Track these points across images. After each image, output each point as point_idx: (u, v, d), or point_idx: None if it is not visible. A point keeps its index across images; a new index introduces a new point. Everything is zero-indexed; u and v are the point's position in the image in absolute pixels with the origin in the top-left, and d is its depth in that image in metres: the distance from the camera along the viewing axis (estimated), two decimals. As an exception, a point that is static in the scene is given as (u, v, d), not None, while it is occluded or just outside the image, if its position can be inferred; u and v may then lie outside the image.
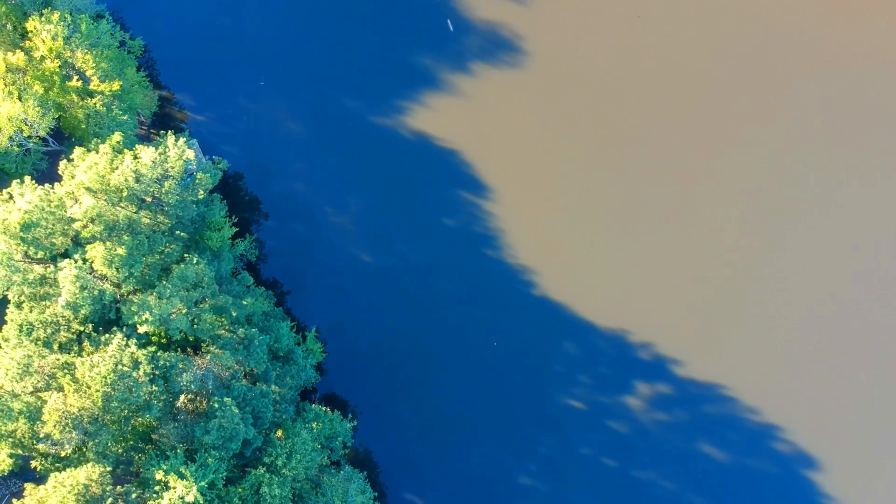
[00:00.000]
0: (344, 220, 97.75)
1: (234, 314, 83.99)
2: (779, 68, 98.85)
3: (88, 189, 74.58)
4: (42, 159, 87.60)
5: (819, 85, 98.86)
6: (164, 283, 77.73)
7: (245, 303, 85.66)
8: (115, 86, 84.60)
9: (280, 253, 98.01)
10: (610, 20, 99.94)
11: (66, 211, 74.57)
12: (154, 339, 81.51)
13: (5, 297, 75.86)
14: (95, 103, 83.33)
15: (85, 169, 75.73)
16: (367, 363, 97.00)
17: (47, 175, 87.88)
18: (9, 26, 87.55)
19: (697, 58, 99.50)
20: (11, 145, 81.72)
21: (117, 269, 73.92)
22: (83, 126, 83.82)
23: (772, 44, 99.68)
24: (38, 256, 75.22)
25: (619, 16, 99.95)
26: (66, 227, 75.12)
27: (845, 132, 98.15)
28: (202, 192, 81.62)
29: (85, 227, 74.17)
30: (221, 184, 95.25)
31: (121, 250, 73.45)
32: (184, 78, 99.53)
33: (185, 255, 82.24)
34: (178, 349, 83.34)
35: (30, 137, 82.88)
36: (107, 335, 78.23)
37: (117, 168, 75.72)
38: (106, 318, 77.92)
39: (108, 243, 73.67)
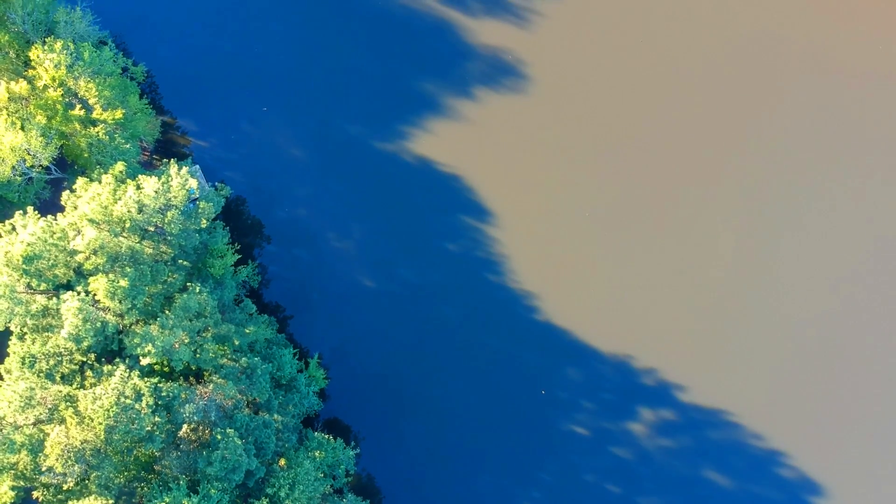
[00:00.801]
0: (346, 245, 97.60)
1: (236, 343, 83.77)
2: (783, 98, 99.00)
3: (91, 220, 74.53)
4: (45, 188, 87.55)
5: (820, 113, 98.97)
6: (167, 312, 77.64)
7: (248, 331, 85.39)
8: (118, 114, 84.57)
9: (282, 278, 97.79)
10: (613, 45, 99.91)
11: (68, 243, 74.47)
12: (157, 367, 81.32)
13: (7, 328, 75.52)
14: (98, 132, 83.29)
15: (87, 200, 75.72)
16: (370, 388, 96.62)
17: (50, 203, 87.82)
18: (11, 54, 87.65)
19: (704, 84, 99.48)
20: (14, 175, 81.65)
21: (120, 301, 73.72)
22: (86, 154, 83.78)
23: (775, 68, 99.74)
24: (41, 288, 75.02)
25: (622, 41, 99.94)
26: (68, 259, 75.03)
27: (847, 163, 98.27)
28: (205, 221, 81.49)
29: (87, 258, 74.06)
30: (224, 209, 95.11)
31: (123, 282, 73.24)
32: (187, 103, 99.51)
33: (188, 283, 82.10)
34: (181, 377, 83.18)
35: (32, 167, 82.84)
36: (109, 366, 78.23)
37: (120, 199, 75.66)
38: (108, 348, 77.74)
39: (110, 275, 73.49)
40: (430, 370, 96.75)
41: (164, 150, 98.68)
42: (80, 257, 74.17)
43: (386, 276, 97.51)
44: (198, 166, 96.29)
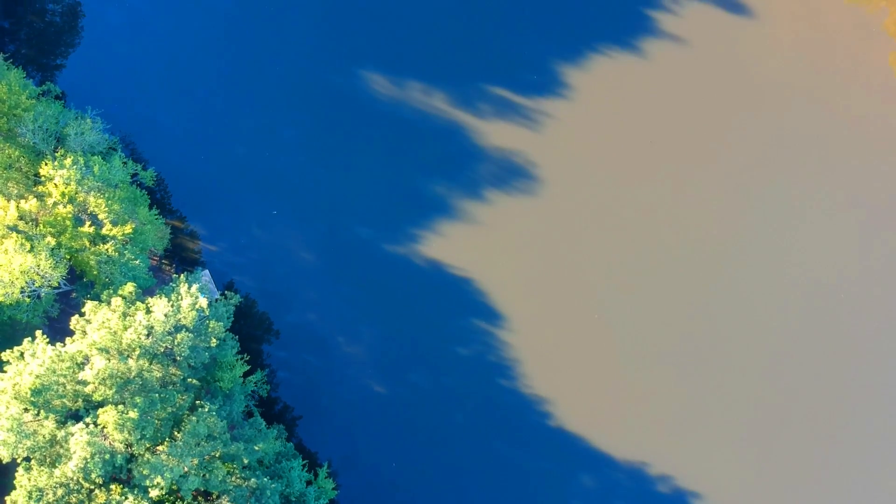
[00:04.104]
0: (356, 349, 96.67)
1: (245, 462, 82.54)
2: (799, 202, 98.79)
3: (100, 349, 73.77)
4: (53, 305, 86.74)
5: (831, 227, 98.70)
6: (177, 435, 76.62)
7: (257, 448, 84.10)
8: (128, 229, 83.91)
9: (291, 384, 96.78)
10: (622, 147, 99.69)
11: (77, 373, 73.66)
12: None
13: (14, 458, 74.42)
14: (107, 249, 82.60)
15: (97, 327, 75.01)
16: (380, 494, 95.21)
17: (58, 322, 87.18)
18: (23, 165, 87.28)
19: (714, 186, 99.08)
20: (23, 296, 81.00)
21: (129, 433, 72.69)
22: (95, 272, 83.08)
23: (794, 175, 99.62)
24: (49, 418, 73.98)
25: (632, 143, 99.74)
26: (77, 389, 74.16)
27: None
28: (215, 340, 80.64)
29: (96, 389, 73.17)
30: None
31: (133, 414, 72.23)
32: (196, 207, 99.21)
33: (197, 401, 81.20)
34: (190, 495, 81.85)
35: (41, 286, 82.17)
36: (118, 486, 77.03)
37: (130, 326, 74.92)
38: (117, 477, 76.58)
39: (119, 407, 72.52)
40: (441, 476, 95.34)
41: (173, 254, 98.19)
42: (88, 388, 73.27)
43: (396, 380, 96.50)
44: (207, 271, 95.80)
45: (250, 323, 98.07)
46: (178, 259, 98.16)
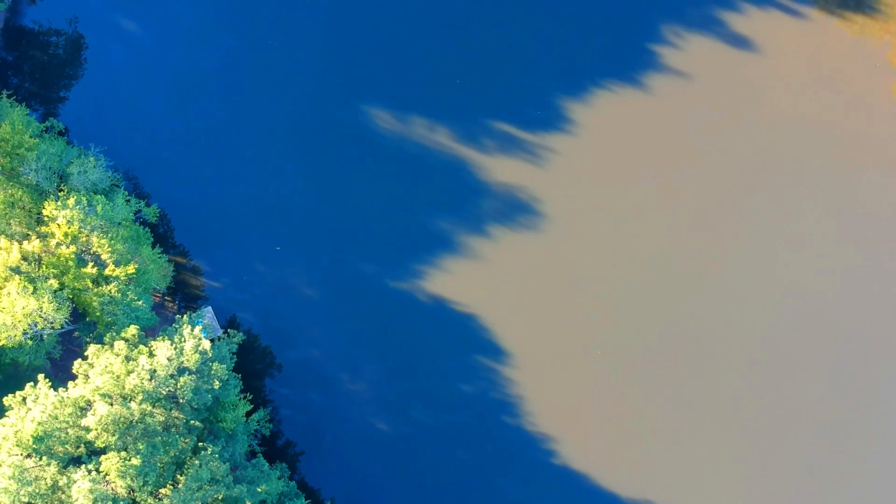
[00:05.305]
0: (359, 387, 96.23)
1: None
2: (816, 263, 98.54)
3: (103, 395, 73.41)
4: (56, 347, 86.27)
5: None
6: (180, 478, 76.27)
7: (260, 489, 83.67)
8: (131, 269, 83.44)
9: (294, 421, 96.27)
10: (627, 183, 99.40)
11: (80, 419, 73.29)
12: (166, 530, 79.50)
13: (15, 505, 73.92)
14: (110, 290, 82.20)
15: (100, 371, 74.66)
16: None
17: (60, 364, 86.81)
18: (26, 203, 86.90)
19: (722, 221, 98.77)
20: (26, 339, 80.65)
21: (132, 479, 72.30)
22: (98, 313, 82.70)
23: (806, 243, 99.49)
24: (51, 465, 73.53)
25: (636, 178, 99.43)
26: (79, 434, 73.79)
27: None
28: (218, 382, 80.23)
29: (98, 436, 72.78)
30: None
31: (136, 460, 71.89)
32: (199, 243, 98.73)
33: (200, 442, 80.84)
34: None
35: (44, 328, 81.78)
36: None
37: (133, 371, 74.57)
38: (119, 523, 76.06)
39: (122, 453, 72.17)
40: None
41: (175, 291, 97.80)
42: (91, 435, 72.89)
43: (399, 417, 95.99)
44: (210, 308, 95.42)
45: (252, 358, 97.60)
46: (180, 295, 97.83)
